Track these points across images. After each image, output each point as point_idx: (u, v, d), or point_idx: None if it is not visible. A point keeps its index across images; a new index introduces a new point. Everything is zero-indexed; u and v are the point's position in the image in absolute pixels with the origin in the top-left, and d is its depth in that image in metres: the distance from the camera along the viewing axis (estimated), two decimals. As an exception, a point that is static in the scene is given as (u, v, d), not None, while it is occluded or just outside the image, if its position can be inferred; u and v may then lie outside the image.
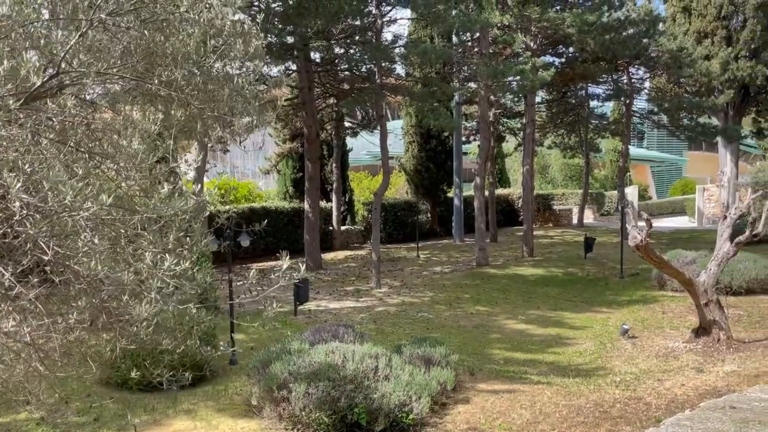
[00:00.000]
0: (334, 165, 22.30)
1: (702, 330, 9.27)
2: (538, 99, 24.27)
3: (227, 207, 15.68)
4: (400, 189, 27.99)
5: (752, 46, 22.86)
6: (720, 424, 3.47)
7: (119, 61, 2.49)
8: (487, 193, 22.86)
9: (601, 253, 19.10)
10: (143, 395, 6.76)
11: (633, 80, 24.74)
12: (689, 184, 36.80)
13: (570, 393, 7.16)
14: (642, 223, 8.87)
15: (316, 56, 18.32)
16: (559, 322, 11.43)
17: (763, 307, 11.63)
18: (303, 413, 5.79)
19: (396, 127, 26.69)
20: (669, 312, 11.67)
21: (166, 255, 2.33)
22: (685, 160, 44.79)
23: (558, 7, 18.73)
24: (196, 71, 2.62)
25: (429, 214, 25.42)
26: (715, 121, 25.38)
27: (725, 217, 9.58)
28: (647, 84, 25.75)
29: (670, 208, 34.81)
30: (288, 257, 3.37)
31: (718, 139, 25.08)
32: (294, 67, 16.53)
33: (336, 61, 18.28)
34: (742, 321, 10.61)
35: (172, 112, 2.76)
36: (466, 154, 26.99)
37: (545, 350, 9.47)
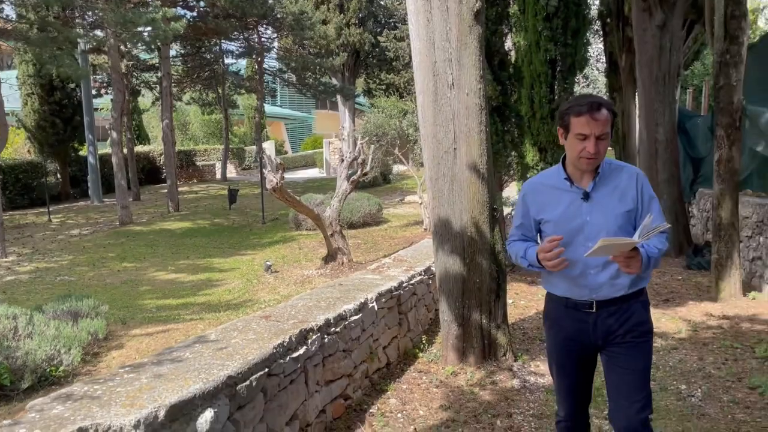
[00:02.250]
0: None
1: (330, 257, 10.89)
2: (173, 53, 23.93)
3: None
4: (19, 148, 24.66)
5: (360, 15, 26.38)
6: (330, 294, 4.63)
7: None
8: (126, 150, 21.90)
9: (244, 203, 20.26)
10: None
11: (263, 39, 26.19)
12: (318, 139, 40.88)
13: (221, 323, 7.80)
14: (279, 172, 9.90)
15: None
16: (208, 267, 11.99)
17: (375, 236, 14.11)
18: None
19: (10, 77, 23.23)
20: (305, 248, 13.25)
21: None
22: (313, 117, 49.37)
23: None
24: None
25: (59, 176, 23.09)
26: (335, 81, 28.68)
27: (342, 161, 11.29)
28: (276, 44, 27.56)
29: (303, 162, 38.32)
30: None
31: (338, 97, 28.49)
32: None
33: None
34: (361, 247, 12.74)
35: None
36: (98, 109, 25.15)
37: (197, 294, 9.93)
